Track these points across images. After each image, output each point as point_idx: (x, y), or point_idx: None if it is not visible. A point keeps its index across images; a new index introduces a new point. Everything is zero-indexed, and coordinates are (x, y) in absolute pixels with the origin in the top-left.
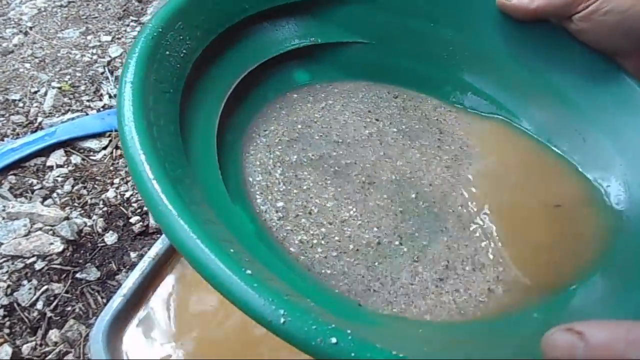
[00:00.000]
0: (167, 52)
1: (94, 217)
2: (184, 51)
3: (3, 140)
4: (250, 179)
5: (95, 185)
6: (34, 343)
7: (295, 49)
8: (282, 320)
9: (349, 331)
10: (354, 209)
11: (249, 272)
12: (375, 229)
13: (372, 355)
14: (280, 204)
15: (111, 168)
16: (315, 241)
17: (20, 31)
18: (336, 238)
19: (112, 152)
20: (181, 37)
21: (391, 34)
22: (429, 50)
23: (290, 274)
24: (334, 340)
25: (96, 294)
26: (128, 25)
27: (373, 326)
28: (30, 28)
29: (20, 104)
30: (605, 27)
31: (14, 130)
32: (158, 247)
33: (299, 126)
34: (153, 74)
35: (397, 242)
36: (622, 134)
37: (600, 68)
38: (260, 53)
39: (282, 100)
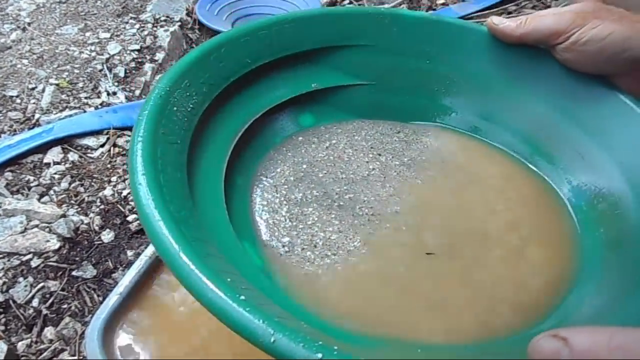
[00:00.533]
0: (175, 108)
1: (91, 214)
2: (191, 105)
3: (0, 136)
4: (258, 218)
5: (93, 183)
6: (29, 340)
7: (298, 96)
8: (272, 339)
9: (335, 347)
10: (359, 240)
11: (242, 297)
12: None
13: None
14: (286, 239)
15: (108, 166)
16: (320, 271)
17: (19, 27)
18: (339, 267)
19: (109, 150)
20: (188, 94)
21: (390, 74)
22: (427, 86)
23: (289, 301)
24: (319, 355)
25: (92, 291)
26: (127, 23)
27: (363, 345)
28: (29, 24)
29: (18, 101)
30: (587, 55)
31: (11, 126)
32: None
33: (304, 166)
34: (161, 128)
35: (401, 269)
36: (616, 146)
37: (591, 88)
38: (265, 101)
39: (288, 143)
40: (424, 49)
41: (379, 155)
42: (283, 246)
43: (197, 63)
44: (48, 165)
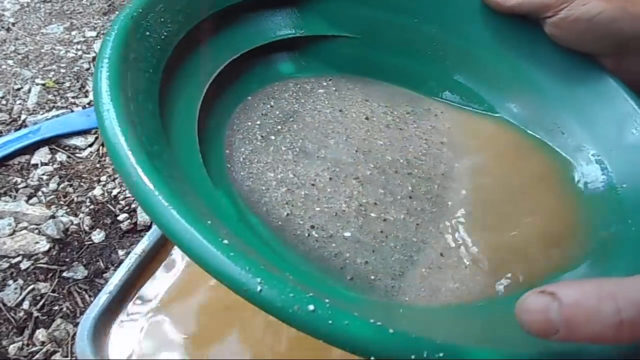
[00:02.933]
0: (147, 33)
1: (81, 215)
2: (165, 34)
3: None
4: (230, 165)
5: (82, 183)
6: (20, 343)
7: (280, 41)
8: (258, 288)
9: (327, 300)
10: (341, 184)
11: (225, 241)
12: (359, 199)
13: (349, 322)
14: (263, 187)
15: (97, 165)
16: (298, 212)
17: (3, 27)
18: (317, 208)
19: (98, 150)
20: (162, 19)
21: (375, 29)
22: (413, 46)
23: (269, 251)
24: (311, 307)
25: (84, 292)
26: (113, 21)
27: (353, 300)
28: (13, 24)
29: (4, 102)
30: (575, 33)
31: None
32: (145, 243)
33: (281, 115)
34: (132, 52)
35: (379, 212)
36: (597, 126)
37: (578, 65)
38: (244, 42)
39: (266, 90)
40: (414, 7)
41: (361, 113)
42: (259, 193)
43: None
44: (36, 166)
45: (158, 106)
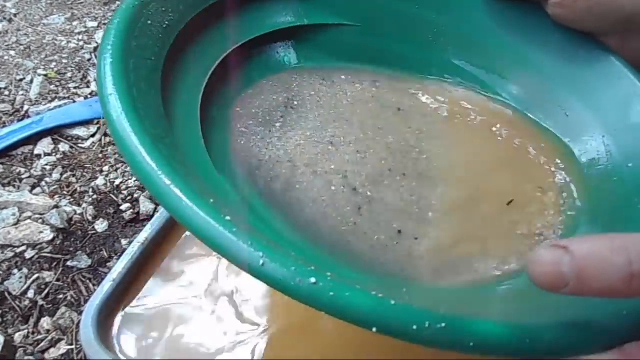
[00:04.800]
0: (149, 22)
1: (84, 204)
2: (167, 22)
3: None
4: (234, 152)
5: (84, 173)
6: (25, 331)
7: (281, 30)
8: (260, 261)
9: (328, 273)
10: (343, 165)
11: (227, 217)
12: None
13: (351, 294)
14: (265, 172)
15: (100, 155)
16: (302, 196)
17: (4, 18)
18: (323, 190)
19: (100, 140)
20: (163, 9)
21: (376, 16)
22: (414, 32)
23: (272, 232)
24: (312, 279)
25: (87, 281)
26: (114, 11)
27: (356, 277)
28: (14, 15)
29: (6, 92)
30: (577, 13)
31: None
32: (147, 231)
33: (283, 104)
34: (134, 40)
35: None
36: (602, 105)
37: (580, 45)
38: (245, 31)
39: (268, 80)
40: None
41: (366, 101)
42: (264, 180)
43: None
44: (39, 156)
45: (160, 93)
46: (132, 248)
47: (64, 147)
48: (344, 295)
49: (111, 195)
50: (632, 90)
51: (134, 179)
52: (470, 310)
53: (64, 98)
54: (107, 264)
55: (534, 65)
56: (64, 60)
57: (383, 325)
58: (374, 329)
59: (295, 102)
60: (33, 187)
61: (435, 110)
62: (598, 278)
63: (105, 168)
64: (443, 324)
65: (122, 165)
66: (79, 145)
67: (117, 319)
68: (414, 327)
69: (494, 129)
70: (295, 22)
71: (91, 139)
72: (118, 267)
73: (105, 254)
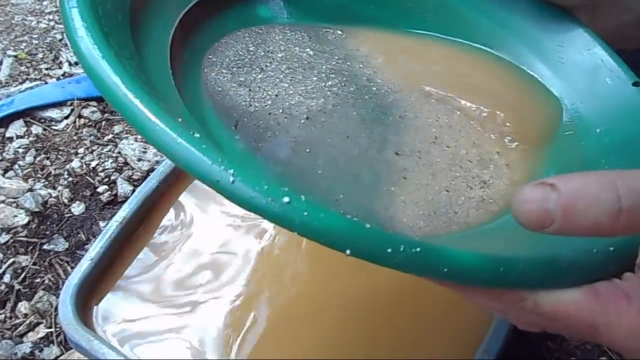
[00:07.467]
0: None
1: (59, 187)
2: None
3: None
4: (205, 96)
5: (59, 156)
6: (3, 316)
7: None
8: (231, 179)
9: (302, 196)
10: (312, 101)
11: (197, 135)
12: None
13: (325, 215)
14: (234, 113)
15: (75, 138)
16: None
17: None
18: (296, 126)
19: (74, 122)
20: None
21: None
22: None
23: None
24: (286, 199)
25: (65, 264)
26: None
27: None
28: None
29: None
30: None
31: None
32: (125, 211)
33: (256, 56)
34: None
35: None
36: (573, 75)
37: (554, 17)
38: None
39: (242, 32)
40: None
41: (336, 56)
42: (230, 112)
43: None
44: (11, 139)
45: (129, 22)
46: (110, 227)
47: (37, 129)
48: (318, 217)
49: (87, 177)
50: (599, 61)
51: (110, 161)
52: (446, 243)
53: (36, 79)
54: (85, 246)
55: (511, 34)
56: (35, 41)
57: (357, 247)
58: (347, 252)
59: (266, 57)
60: (6, 170)
61: (407, 62)
62: (585, 214)
63: (81, 150)
64: (418, 249)
65: (98, 148)
66: (53, 127)
67: (98, 298)
68: (389, 250)
69: (476, 74)
70: None
71: (65, 121)
72: (97, 247)
73: (83, 236)
